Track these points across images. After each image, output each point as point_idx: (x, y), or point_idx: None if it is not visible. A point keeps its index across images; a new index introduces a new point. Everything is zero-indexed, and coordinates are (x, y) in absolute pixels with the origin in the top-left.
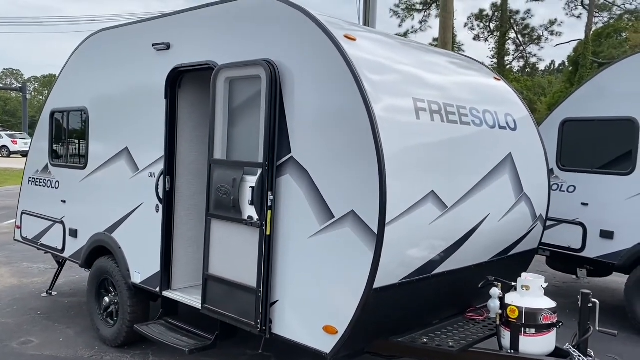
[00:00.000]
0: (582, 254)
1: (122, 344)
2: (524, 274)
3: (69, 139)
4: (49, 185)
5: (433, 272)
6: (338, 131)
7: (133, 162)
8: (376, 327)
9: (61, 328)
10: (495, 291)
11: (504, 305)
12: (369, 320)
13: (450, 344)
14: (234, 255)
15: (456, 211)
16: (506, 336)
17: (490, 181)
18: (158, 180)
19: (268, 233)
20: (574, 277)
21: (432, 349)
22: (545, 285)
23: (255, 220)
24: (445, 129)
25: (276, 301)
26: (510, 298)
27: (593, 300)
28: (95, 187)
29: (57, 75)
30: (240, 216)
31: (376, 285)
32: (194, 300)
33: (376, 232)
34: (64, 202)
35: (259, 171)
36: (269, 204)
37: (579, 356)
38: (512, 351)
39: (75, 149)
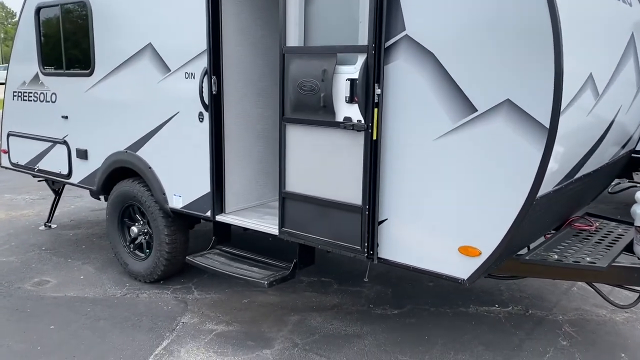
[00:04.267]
0: None
1: (158, 278)
2: None
3: (65, 40)
4: (42, 99)
5: (575, 177)
6: None
7: (161, 61)
8: (518, 244)
9: (77, 264)
10: None
11: None
12: (517, 237)
13: (588, 259)
14: (325, 167)
15: (603, 100)
16: None
17: (622, 66)
18: (202, 82)
19: (375, 137)
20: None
21: (574, 267)
22: None
23: (356, 121)
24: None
25: (384, 220)
26: None
27: None
28: (108, 97)
29: None
30: (333, 118)
31: (538, 194)
32: (260, 223)
33: (547, 124)
34: (66, 118)
35: (361, 58)
36: (376, 99)
37: None
38: None
39: (75, 52)
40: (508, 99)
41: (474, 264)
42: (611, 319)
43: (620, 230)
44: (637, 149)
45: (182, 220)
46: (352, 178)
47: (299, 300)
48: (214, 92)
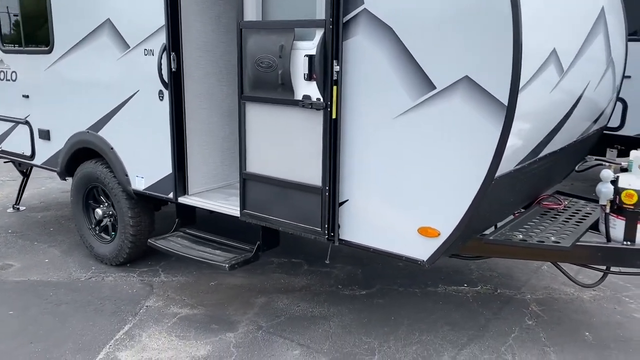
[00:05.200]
0: (621, 132)
1: (124, 261)
2: (636, 152)
3: (23, 15)
4: (2, 77)
5: (539, 155)
6: None
7: (120, 37)
8: (479, 225)
9: (43, 248)
10: (609, 173)
11: (616, 190)
12: (477, 218)
13: (553, 239)
14: (285, 148)
15: (569, 76)
16: (617, 225)
17: (590, 41)
18: (161, 59)
19: (334, 116)
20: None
21: (537, 247)
22: None
23: (315, 100)
24: None
25: (345, 201)
26: (625, 181)
27: None
28: (68, 75)
29: None
30: (292, 96)
31: (497, 173)
32: (223, 205)
33: (506, 101)
34: (27, 97)
35: (319, 33)
36: (334, 77)
37: None
38: (628, 243)
39: (34, 27)
40: (466, 76)
41: (433, 245)
42: (579, 297)
43: (588, 209)
44: (609, 125)
45: (146, 202)
46: (312, 158)
47: (267, 282)
48: (173, 70)
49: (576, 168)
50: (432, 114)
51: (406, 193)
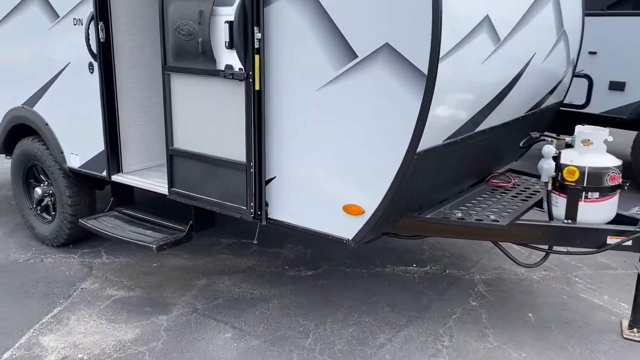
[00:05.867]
0: (586, 110)
1: (65, 242)
2: (580, 127)
3: None
4: None
5: (476, 130)
6: None
7: (49, 6)
8: (409, 202)
9: None
10: (551, 149)
11: (558, 166)
12: (404, 194)
13: (492, 217)
14: (210, 122)
15: (508, 46)
16: (560, 203)
17: (535, 11)
18: (88, 29)
19: (257, 87)
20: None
21: (474, 225)
22: (610, 139)
23: (238, 70)
24: None
25: (272, 178)
26: (567, 157)
27: None
28: (1, 47)
29: None
30: (214, 66)
31: (420, 147)
32: (156, 183)
33: (426, 71)
34: None
35: None
36: (256, 45)
37: None
38: (569, 221)
39: None
40: (387, 44)
41: (358, 223)
42: (528, 277)
43: (537, 187)
44: (574, 103)
45: (85, 180)
46: (236, 133)
47: (212, 263)
48: (101, 40)
49: (520, 144)
50: (354, 84)
51: (331, 170)
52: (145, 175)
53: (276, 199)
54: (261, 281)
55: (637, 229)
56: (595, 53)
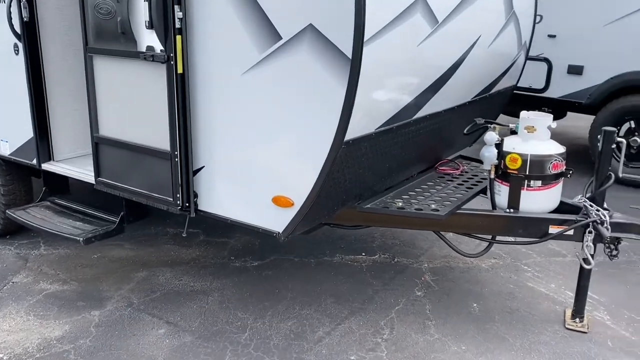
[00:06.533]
0: (545, 95)
1: (1, 233)
2: (524, 112)
3: None
4: None
5: (414, 117)
6: None
7: None
8: (343, 192)
9: None
10: (493, 136)
11: (501, 154)
12: (335, 184)
13: (433, 206)
14: (133, 107)
15: (447, 29)
16: (502, 192)
17: None
18: (10, 6)
19: (180, 71)
20: None
21: (413, 215)
22: (554, 125)
23: (159, 52)
24: None
25: (201, 168)
26: (509, 144)
27: (619, 139)
28: None
29: None
30: (134, 47)
31: (349, 136)
32: (87, 172)
33: (350, 54)
34: None
35: None
36: (178, 25)
37: (597, 210)
38: (511, 210)
39: None
40: (311, 24)
41: (288, 215)
42: (477, 266)
43: (485, 174)
44: (533, 87)
45: (19, 168)
46: (160, 120)
47: (154, 254)
48: (25, 19)
49: (465, 131)
50: (279, 68)
51: (260, 159)
52: (79, 163)
53: (206, 189)
54: (204, 273)
55: (578, 218)
56: (554, 36)
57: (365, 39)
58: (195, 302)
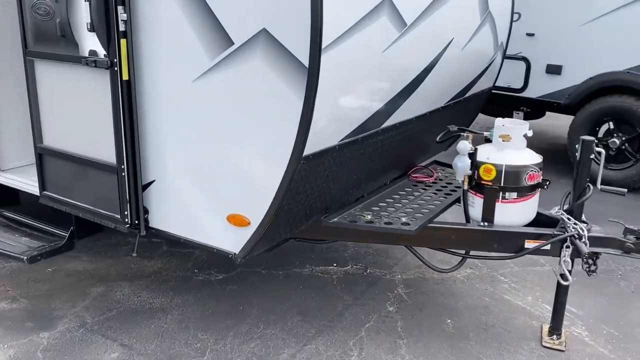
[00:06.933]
0: (524, 94)
1: None
2: (500, 120)
3: None
4: None
5: (382, 126)
6: None
7: None
8: (306, 207)
9: None
10: (466, 145)
11: (474, 164)
12: (296, 200)
13: (404, 219)
14: (77, 116)
15: (417, 33)
16: (476, 204)
17: None
18: None
19: (126, 77)
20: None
21: (382, 230)
22: (530, 133)
23: (102, 57)
24: None
25: (152, 182)
26: (483, 153)
27: (598, 149)
28: None
29: None
30: (76, 51)
31: (308, 150)
32: (31, 184)
33: (307, 62)
34: None
35: None
36: (122, 27)
37: (574, 224)
38: (485, 224)
39: None
40: (264, 29)
41: (244, 235)
42: (452, 276)
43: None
44: (512, 87)
45: None
46: (105, 130)
47: (114, 267)
48: None
49: (437, 139)
50: (231, 76)
51: (213, 174)
52: (27, 173)
53: (157, 205)
54: (164, 288)
55: (555, 232)
56: (533, 35)
57: (323, 45)
58: (153, 321)
